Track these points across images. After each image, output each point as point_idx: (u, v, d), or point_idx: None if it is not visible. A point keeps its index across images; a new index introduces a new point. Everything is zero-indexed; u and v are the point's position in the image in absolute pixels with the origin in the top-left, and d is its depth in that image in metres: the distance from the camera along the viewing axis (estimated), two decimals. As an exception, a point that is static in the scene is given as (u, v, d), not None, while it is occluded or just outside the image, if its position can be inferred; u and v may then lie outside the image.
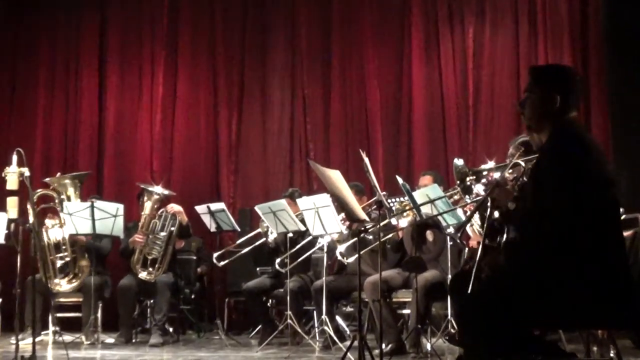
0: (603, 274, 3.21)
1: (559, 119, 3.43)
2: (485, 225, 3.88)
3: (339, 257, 6.94)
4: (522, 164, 3.56)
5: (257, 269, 8.02)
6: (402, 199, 6.45)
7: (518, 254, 3.51)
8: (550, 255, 3.26)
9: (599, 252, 3.23)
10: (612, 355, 5.38)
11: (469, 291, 4.00)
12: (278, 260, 7.35)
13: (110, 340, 7.73)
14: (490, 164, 4.71)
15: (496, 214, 4.07)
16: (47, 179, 8.04)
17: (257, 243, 7.82)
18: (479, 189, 4.16)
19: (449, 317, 6.46)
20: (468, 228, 6.53)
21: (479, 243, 6.40)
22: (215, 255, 7.79)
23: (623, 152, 8.02)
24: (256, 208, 7.40)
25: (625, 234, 4.95)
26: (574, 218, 3.24)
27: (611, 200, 3.33)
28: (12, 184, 5.64)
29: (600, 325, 4.13)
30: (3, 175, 5.68)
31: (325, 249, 7.11)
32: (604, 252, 3.24)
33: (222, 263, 7.78)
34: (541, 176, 3.34)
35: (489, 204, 3.79)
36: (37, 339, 5.88)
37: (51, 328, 7.61)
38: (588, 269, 3.21)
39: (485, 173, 4.25)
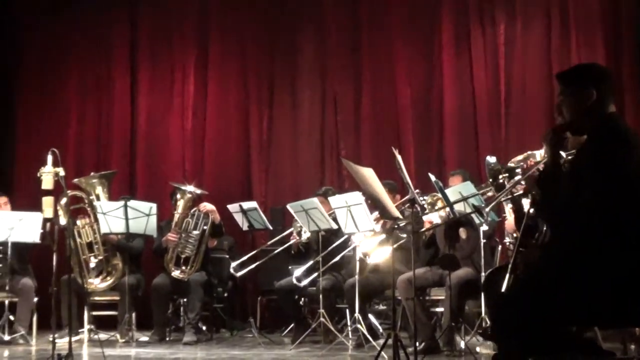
0: (640, 271, 3.18)
1: (598, 116, 3.40)
2: (522, 223, 3.87)
3: (361, 256, 6.96)
4: (564, 155, 3.53)
5: (290, 267, 8.03)
6: (433, 194, 6.44)
7: (554, 250, 3.48)
8: (587, 252, 3.23)
9: (637, 249, 3.20)
10: (649, 353, 5.33)
11: (504, 287, 3.98)
12: (296, 273, 7.35)
13: (144, 338, 7.79)
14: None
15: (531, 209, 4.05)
16: (75, 180, 8.11)
17: (290, 242, 7.84)
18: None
19: (483, 314, 6.42)
20: (508, 211, 6.51)
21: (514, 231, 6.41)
22: (233, 265, 7.81)
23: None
24: (288, 206, 7.42)
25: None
26: (613, 215, 3.21)
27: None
28: (47, 183, 5.69)
29: (637, 323, 4.09)
30: (38, 175, 5.72)
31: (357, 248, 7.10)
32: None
33: (239, 273, 7.80)
34: (581, 172, 3.31)
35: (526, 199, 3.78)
36: (73, 338, 5.92)
37: (86, 326, 7.68)
38: (625, 266, 3.17)
39: (518, 170, 4.22)
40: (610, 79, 3.53)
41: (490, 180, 4.40)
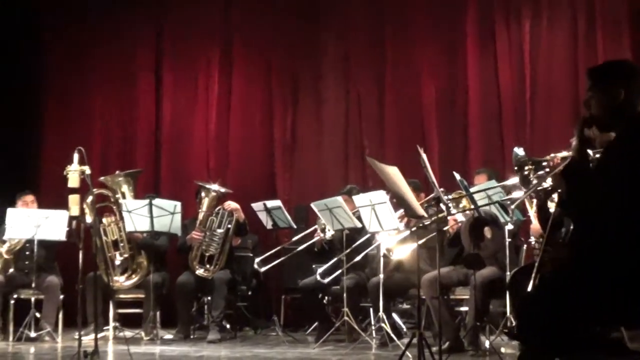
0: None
1: (627, 114, 3.37)
2: (548, 222, 3.84)
3: (386, 253, 6.95)
4: (591, 153, 3.51)
5: (313, 265, 8.03)
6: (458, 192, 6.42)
7: (579, 249, 3.46)
8: (613, 251, 3.20)
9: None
10: (677, 353, 5.27)
11: (530, 287, 3.96)
12: (320, 270, 7.37)
13: (169, 336, 7.83)
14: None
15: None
16: (101, 178, 8.17)
17: (312, 240, 7.84)
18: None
19: (508, 314, 6.39)
20: (532, 215, 6.49)
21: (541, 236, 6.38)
22: (257, 260, 7.85)
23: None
24: (312, 205, 7.42)
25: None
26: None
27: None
28: (73, 182, 5.73)
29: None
30: (65, 173, 5.76)
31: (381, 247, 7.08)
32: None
33: (263, 269, 7.82)
34: (609, 170, 3.29)
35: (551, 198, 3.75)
36: (98, 335, 5.96)
37: (112, 324, 7.74)
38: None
39: (545, 164, 4.20)
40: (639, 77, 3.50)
41: (516, 168, 4.38)
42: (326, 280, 7.33)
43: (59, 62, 10.47)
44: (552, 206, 4.78)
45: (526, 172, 4.18)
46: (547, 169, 4.08)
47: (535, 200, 6.47)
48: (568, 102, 8.86)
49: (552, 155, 4.31)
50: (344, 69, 10.01)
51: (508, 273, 6.27)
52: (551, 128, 8.86)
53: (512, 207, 5.18)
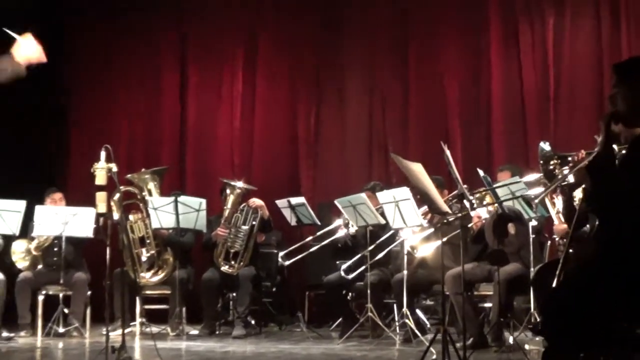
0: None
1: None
2: (575, 217, 3.84)
3: (410, 250, 6.97)
4: (616, 148, 3.51)
5: (337, 262, 8.07)
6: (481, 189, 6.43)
7: (604, 244, 3.46)
8: (637, 246, 3.21)
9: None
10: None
11: (554, 282, 3.96)
12: (344, 266, 7.41)
13: (194, 332, 7.90)
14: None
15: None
16: (128, 175, 8.25)
17: (335, 236, 7.87)
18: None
19: (532, 310, 6.39)
20: (554, 215, 6.48)
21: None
22: (281, 254, 7.90)
23: None
24: (336, 202, 7.45)
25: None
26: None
27: None
28: (100, 179, 5.79)
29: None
30: (92, 171, 5.82)
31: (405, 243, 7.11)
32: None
33: (287, 262, 7.87)
34: (635, 166, 3.29)
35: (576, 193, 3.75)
36: (125, 330, 6.03)
37: (138, 319, 7.82)
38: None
39: (570, 158, 4.20)
40: None
41: (541, 162, 4.38)
42: (350, 276, 7.37)
43: (86, 62, 10.57)
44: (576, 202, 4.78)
45: (551, 167, 4.18)
46: (571, 164, 4.09)
47: (556, 201, 6.49)
48: (592, 99, 8.83)
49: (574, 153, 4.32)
50: (368, 68, 10.04)
51: (532, 269, 6.28)
52: (575, 126, 8.83)
53: (536, 201, 5.18)
